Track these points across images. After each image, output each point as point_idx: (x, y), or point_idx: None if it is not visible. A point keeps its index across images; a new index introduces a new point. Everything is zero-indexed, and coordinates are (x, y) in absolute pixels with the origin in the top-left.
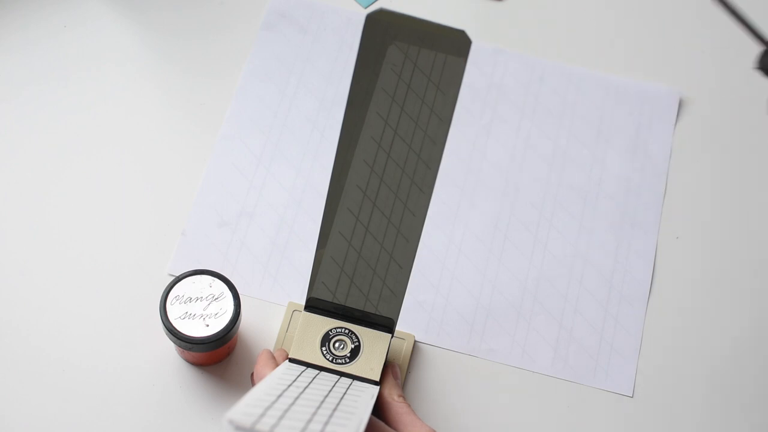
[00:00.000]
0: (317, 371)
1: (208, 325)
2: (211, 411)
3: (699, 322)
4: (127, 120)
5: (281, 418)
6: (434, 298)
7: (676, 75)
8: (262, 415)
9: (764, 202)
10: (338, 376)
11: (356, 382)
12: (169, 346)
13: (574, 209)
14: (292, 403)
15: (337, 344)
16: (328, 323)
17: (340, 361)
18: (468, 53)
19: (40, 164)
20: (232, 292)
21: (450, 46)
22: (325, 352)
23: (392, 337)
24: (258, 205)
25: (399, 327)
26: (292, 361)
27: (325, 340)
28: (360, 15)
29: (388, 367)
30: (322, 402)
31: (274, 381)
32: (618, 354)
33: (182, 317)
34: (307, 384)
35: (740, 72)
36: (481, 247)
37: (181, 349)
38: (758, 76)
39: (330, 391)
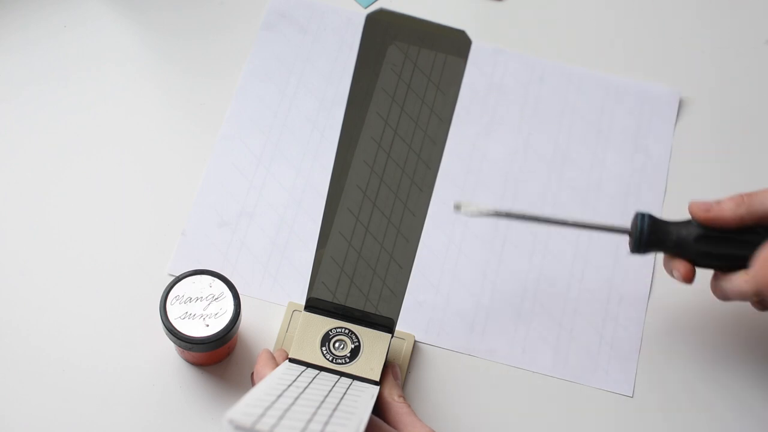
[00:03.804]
0: (317, 371)
1: (208, 325)
2: (211, 411)
3: (699, 322)
4: (127, 120)
5: (281, 418)
6: (434, 298)
7: (676, 75)
8: (262, 415)
9: None
10: (338, 376)
11: (356, 382)
12: (169, 346)
13: (574, 209)
14: (292, 403)
15: (337, 344)
16: (328, 323)
17: (340, 361)
18: (468, 53)
19: (40, 164)
20: (232, 292)
21: (450, 46)
22: (325, 352)
23: (392, 337)
24: (258, 205)
25: (399, 327)
26: (292, 361)
27: (325, 340)
28: (360, 15)
29: (388, 367)
30: (322, 402)
31: (274, 381)
32: (618, 354)
33: (182, 317)
34: (307, 384)
35: (740, 72)
36: (481, 247)
37: (181, 349)
38: (758, 76)
39: (330, 391)
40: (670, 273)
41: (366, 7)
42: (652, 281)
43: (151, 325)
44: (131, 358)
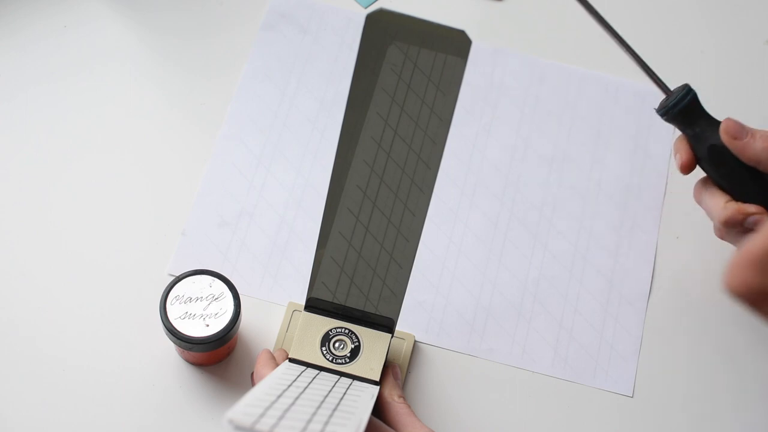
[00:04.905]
0: (317, 371)
1: (208, 325)
2: (211, 411)
3: (699, 322)
4: (127, 120)
5: (281, 418)
6: (434, 298)
7: (676, 75)
8: (262, 415)
9: None
10: (338, 376)
11: (356, 382)
12: (169, 346)
13: (574, 209)
14: (292, 403)
15: (337, 344)
16: (328, 323)
17: (340, 361)
18: (468, 53)
19: (40, 164)
20: (232, 292)
21: (450, 46)
22: (325, 352)
23: (392, 337)
24: (258, 205)
25: (399, 327)
26: (292, 361)
27: (325, 340)
28: (360, 15)
29: (388, 367)
30: (322, 402)
31: (274, 381)
32: (618, 354)
33: (182, 317)
34: (307, 384)
35: (740, 72)
36: (481, 247)
37: (181, 349)
38: (758, 76)
39: (330, 391)
40: (675, 154)
41: (366, 7)
42: (652, 281)
43: (151, 325)
44: (131, 358)
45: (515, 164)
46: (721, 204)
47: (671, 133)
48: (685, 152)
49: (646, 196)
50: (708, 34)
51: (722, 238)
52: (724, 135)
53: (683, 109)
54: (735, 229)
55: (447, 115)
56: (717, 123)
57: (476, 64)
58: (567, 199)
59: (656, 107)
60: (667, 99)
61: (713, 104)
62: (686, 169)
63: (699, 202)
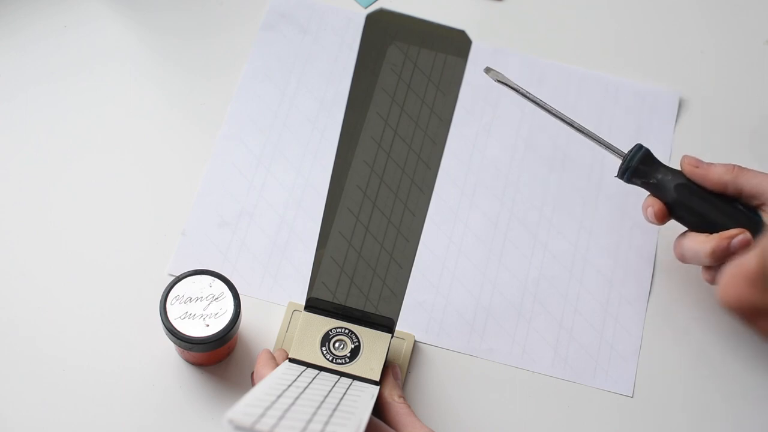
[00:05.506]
0: (317, 371)
1: (208, 325)
2: (211, 411)
3: (699, 322)
4: (127, 120)
5: (281, 418)
6: (434, 298)
7: (676, 75)
8: (262, 415)
9: None
10: (338, 376)
11: (356, 382)
12: (169, 346)
13: (574, 209)
14: (292, 403)
15: (337, 344)
16: (328, 323)
17: (340, 361)
18: (468, 53)
19: (40, 164)
20: (232, 292)
21: (450, 46)
22: (325, 352)
23: (392, 337)
24: (258, 205)
25: (399, 327)
26: (292, 361)
27: (325, 340)
28: (360, 15)
29: (388, 367)
30: (322, 402)
31: (274, 381)
32: (618, 354)
33: (182, 317)
34: (307, 384)
35: (740, 72)
36: (481, 247)
37: (181, 349)
38: (758, 76)
39: (330, 391)
40: (645, 212)
41: (366, 7)
42: (652, 281)
43: (151, 325)
44: (131, 358)
45: (515, 164)
46: (702, 239)
47: (671, 132)
48: (655, 202)
49: (646, 195)
50: (708, 34)
51: (712, 282)
52: (685, 167)
53: (639, 162)
54: (722, 259)
55: (447, 115)
56: (675, 169)
57: (476, 64)
58: (567, 199)
59: (615, 174)
60: (623, 161)
61: (713, 104)
62: (660, 217)
63: (682, 256)
